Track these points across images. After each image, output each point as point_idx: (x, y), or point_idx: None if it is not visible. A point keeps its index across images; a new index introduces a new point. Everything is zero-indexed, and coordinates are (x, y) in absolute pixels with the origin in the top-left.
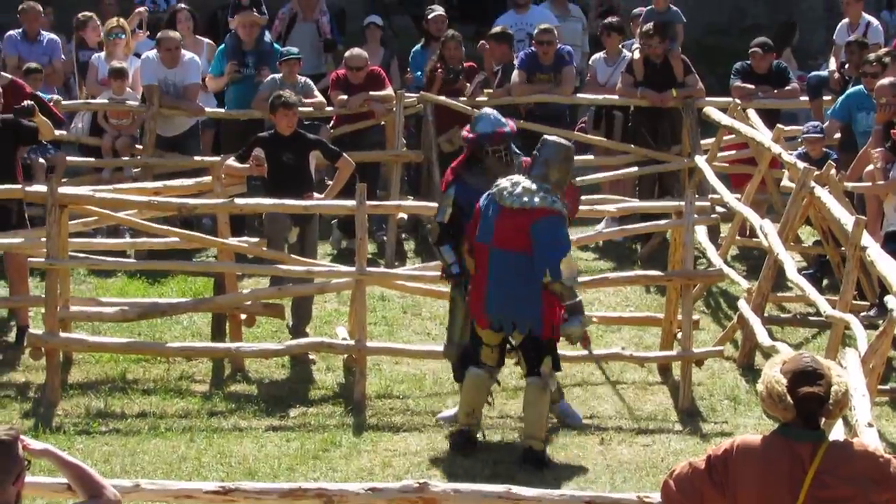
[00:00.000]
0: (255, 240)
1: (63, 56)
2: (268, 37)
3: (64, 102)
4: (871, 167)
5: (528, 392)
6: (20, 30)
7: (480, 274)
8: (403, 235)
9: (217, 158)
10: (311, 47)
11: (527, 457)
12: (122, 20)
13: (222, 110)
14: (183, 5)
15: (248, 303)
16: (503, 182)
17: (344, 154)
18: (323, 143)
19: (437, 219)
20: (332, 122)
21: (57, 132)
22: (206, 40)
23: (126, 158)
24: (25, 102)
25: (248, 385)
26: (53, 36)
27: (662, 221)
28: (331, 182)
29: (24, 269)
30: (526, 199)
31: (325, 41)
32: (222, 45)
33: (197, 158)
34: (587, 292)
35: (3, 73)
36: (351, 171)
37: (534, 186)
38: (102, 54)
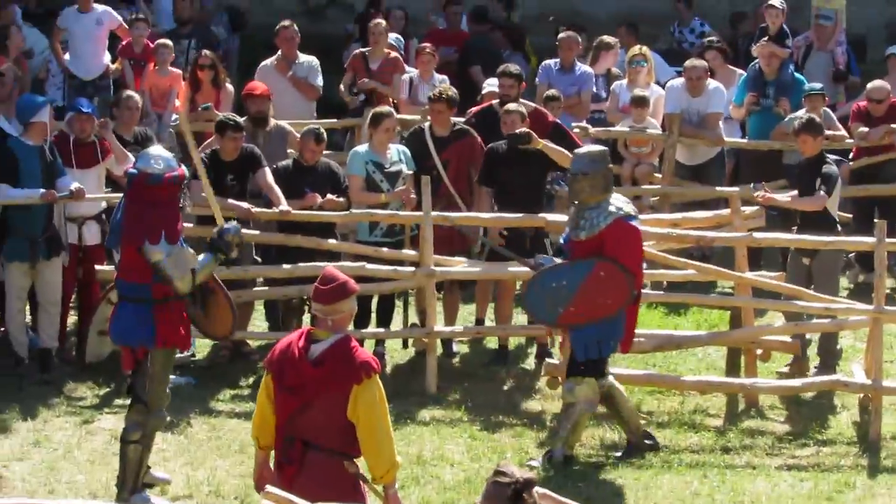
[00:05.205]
0: (773, 273)
1: (594, 88)
2: (791, 68)
3: (591, 130)
4: None
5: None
6: (556, 60)
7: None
8: None
9: (735, 189)
10: (825, 77)
11: None
12: (644, 48)
13: (742, 140)
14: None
15: (765, 338)
16: None
17: None
18: None
19: None
20: (851, 154)
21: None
22: (740, 71)
23: (645, 186)
24: (519, 130)
25: (762, 421)
26: (588, 68)
27: None
28: None
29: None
30: None
31: (834, 71)
32: (744, 75)
33: (717, 189)
34: None
35: (527, 102)
36: None
37: None
38: (624, 82)
